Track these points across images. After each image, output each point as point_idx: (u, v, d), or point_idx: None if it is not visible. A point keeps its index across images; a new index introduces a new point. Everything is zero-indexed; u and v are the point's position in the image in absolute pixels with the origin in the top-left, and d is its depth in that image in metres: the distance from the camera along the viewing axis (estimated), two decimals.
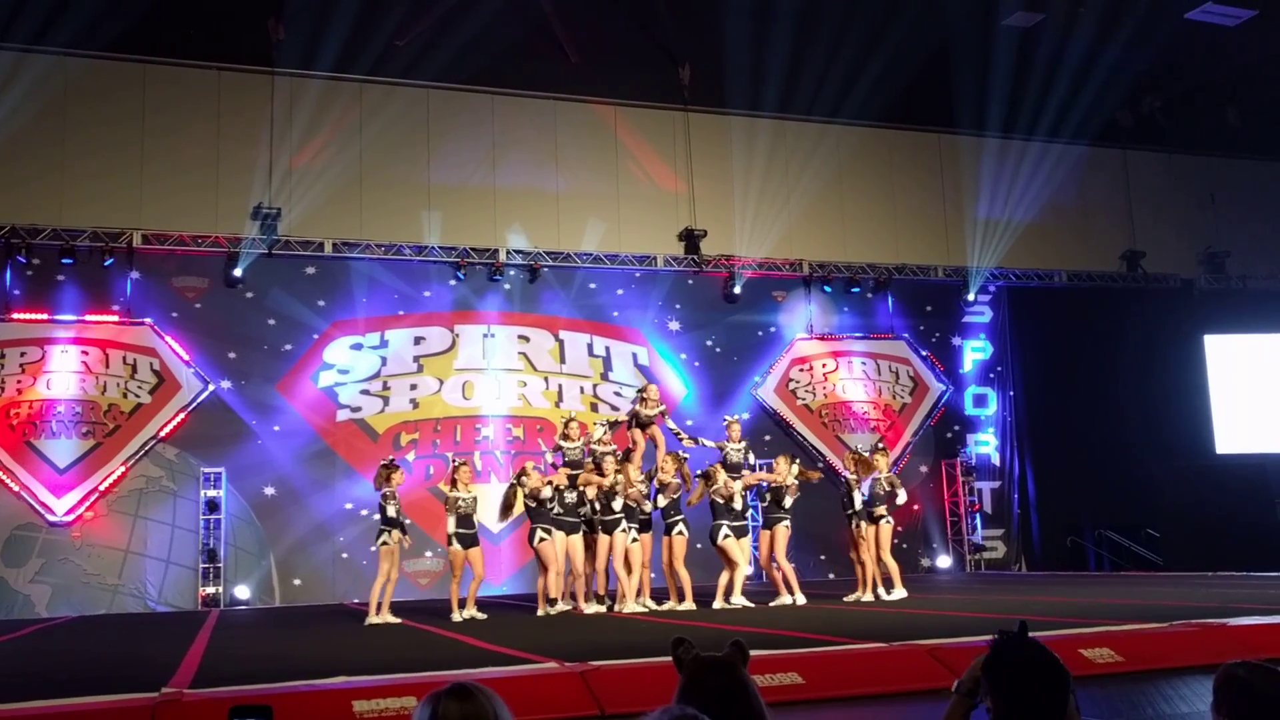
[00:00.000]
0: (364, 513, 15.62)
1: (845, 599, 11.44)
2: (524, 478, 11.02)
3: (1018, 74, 17.77)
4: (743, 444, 12.08)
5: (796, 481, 11.49)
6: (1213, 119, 19.89)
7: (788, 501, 11.44)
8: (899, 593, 11.45)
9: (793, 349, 18.07)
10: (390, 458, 12.31)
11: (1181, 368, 18.70)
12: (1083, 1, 16.95)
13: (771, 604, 11.11)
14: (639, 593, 11.18)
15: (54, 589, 14.17)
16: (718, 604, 10.95)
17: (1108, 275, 19.61)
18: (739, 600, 11.00)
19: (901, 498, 11.83)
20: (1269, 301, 19.53)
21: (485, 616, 10.97)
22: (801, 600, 11.17)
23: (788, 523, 11.46)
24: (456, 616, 10.79)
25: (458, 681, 2.16)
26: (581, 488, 11.22)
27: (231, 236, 15.46)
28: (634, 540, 11.12)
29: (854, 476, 11.75)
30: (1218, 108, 19.88)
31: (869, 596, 11.46)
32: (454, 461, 11.83)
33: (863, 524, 11.59)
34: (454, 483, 11.10)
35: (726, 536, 11.00)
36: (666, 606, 11.15)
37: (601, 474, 11.17)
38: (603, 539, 11.16)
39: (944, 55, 17.34)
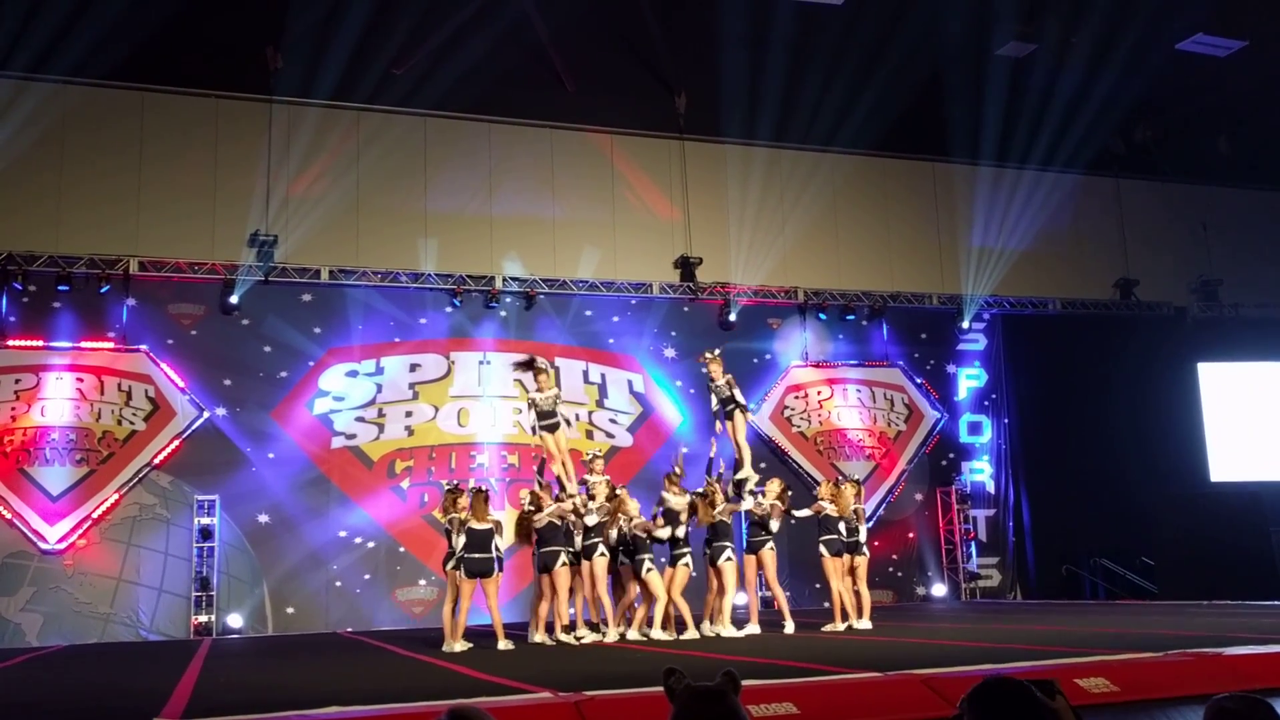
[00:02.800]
0: (358, 540, 15.58)
1: (823, 629, 11.42)
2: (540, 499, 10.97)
3: (1011, 103, 17.92)
4: (727, 378, 12.04)
5: (778, 504, 11.47)
6: (1204, 148, 20.06)
7: (774, 525, 11.44)
8: (864, 623, 11.45)
9: (788, 376, 18.09)
10: (454, 482, 11.95)
11: (1175, 396, 18.73)
12: (1075, 32, 17.11)
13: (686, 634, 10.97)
14: (647, 622, 11.14)
15: (45, 618, 14.08)
16: (633, 634, 11.02)
17: (1101, 303, 19.69)
18: (658, 632, 10.95)
19: (861, 535, 11.78)
20: (1262, 329, 19.60)
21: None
22: (791, 629, 11.14)
23: (772, 545, 11.43)
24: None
25: (454, 708, 2.14)
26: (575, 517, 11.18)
27: (228, 264, 15.49)
28: (649, 570, 11.03)
29: (830, 505, 11.70)
30: (1209, 137, 20.05)
31: (841, 626, 11.42)
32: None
33: (826, 554, 11.57)
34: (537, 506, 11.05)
35: (649, 570, 10.95)
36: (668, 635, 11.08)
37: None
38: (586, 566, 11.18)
39: (938, 85, 17.48)
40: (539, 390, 11.67)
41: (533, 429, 11.83)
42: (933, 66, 17.26)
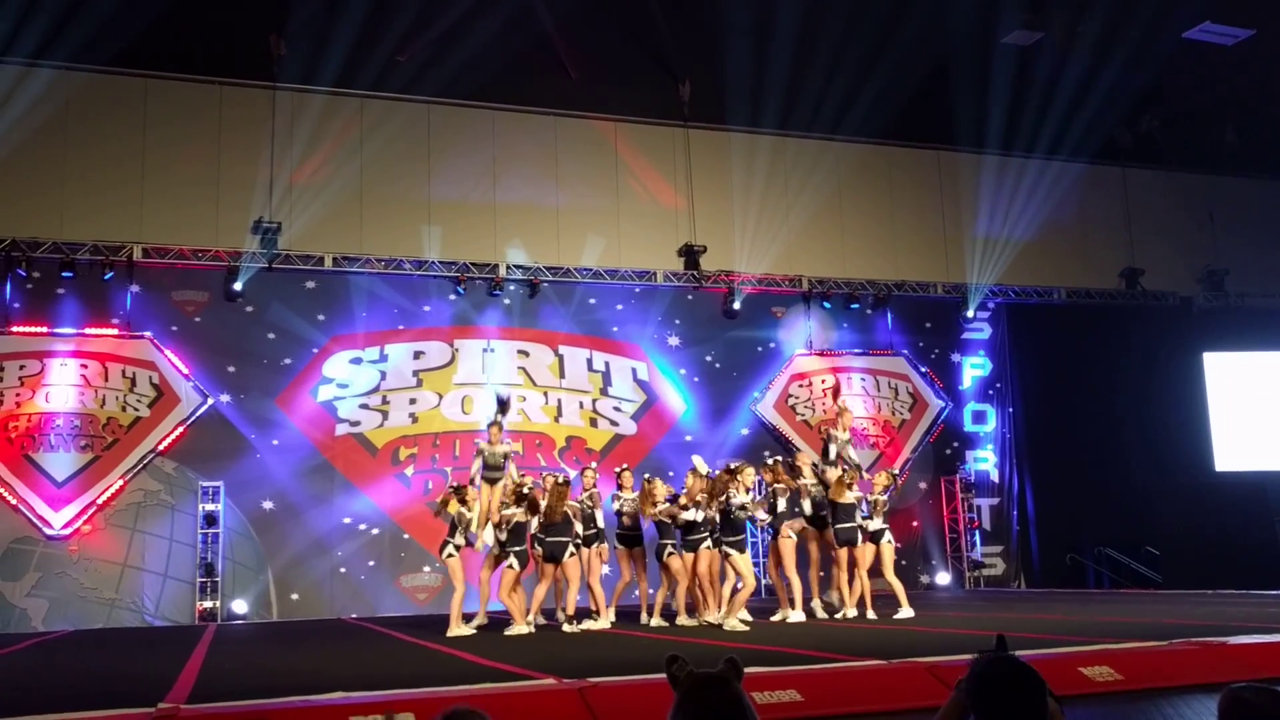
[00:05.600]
0: (362, 527, 15.61)
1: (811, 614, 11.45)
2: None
3: (1017, 92, 17.85)
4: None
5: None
6: (1211, 137, 19.98)
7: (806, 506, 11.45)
8: (863, 611, 11.48)
9: (792, 365, 18.08)
10: (457, 483, 11.93)
11: (1180, 385, 18.70)
12: (1081, 20, 17.03)
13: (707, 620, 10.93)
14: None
15: (51, 603, 14.13)
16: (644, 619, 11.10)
17: (1107, 293, 19.64)
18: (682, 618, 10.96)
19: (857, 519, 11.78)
20: (1268, 319, 19.56)
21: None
22: (799, 617, 11.15)
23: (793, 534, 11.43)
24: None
25: (454, 709, 2.10)
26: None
27: (232, 251, 15.48)
28: (670, 554, 11.02)
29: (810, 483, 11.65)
30: (1216, 126, 19.96)
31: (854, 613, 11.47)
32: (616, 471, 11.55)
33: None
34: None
35: (670, 554, 10.90)
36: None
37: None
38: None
39: (944, 73, 17.42)
40: (489, 443, 11.62)
41: (473, 478, 11.62)
42: (938, 55, 17.20)
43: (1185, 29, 17.16)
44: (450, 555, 10.89)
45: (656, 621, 11.12)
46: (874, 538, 11.50)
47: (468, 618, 11.20)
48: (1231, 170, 20.26)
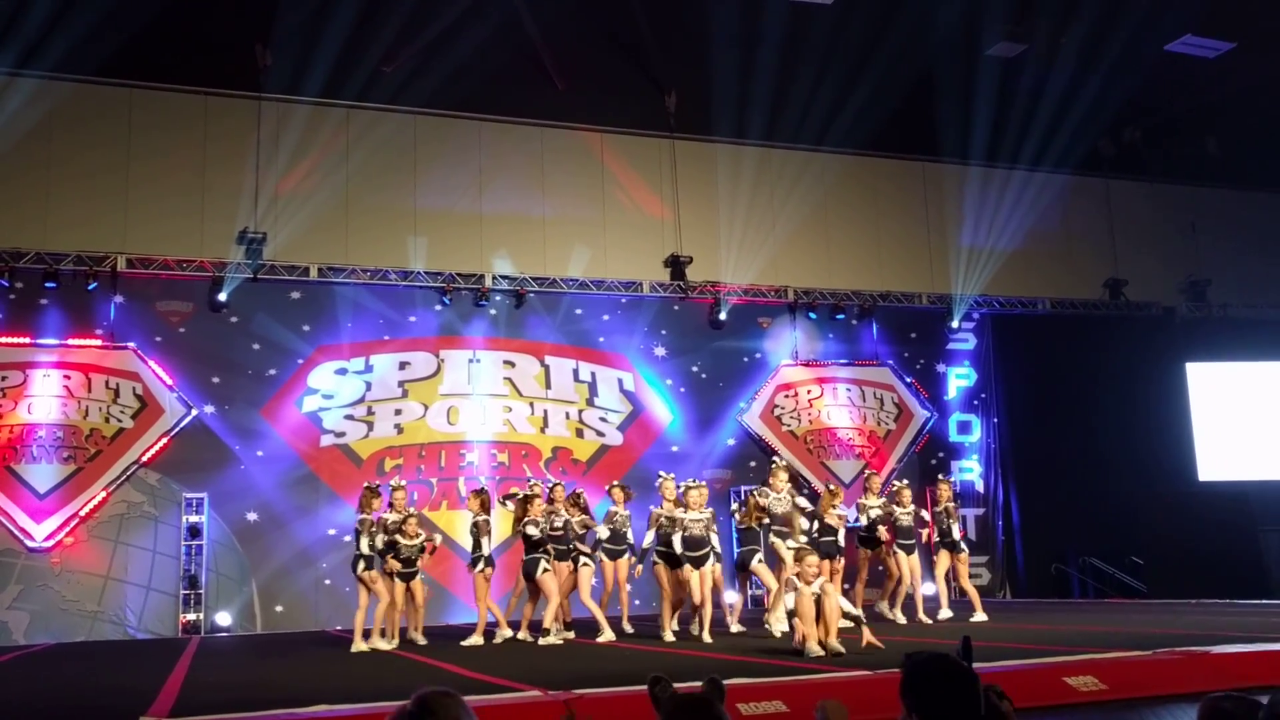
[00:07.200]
0: (347, 539, 15.48)
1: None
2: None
3: (1001, 104, 17.95)
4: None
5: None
6: (1193, 149, 20.13)
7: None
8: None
9: (778, 375, 18.11)
10: (373, 482, 11.97)
11: (1164, 395, 18.79)
12: (1064, 33, 17.16)
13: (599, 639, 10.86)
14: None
15: (32, 616, 14.02)
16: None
17: (1090, 303, 19.75)
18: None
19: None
20: (1250, 329, 19.67)
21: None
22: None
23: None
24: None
25: (421, 695, 2.00)
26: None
27: (217, 261, 15.43)
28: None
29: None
30: (1198, 138, 20.12)
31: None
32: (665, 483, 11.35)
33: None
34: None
35: (545, 570, 10.83)
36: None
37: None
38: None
39: (928, 84, 17.50)
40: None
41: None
42: (923, 66, 17.27)
43: (1167, 41, 17.30)
44: (366, 569, 10.87)
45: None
46: (952, 546, 12.36)
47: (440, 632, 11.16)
48: (1214, 181, 20.41)
